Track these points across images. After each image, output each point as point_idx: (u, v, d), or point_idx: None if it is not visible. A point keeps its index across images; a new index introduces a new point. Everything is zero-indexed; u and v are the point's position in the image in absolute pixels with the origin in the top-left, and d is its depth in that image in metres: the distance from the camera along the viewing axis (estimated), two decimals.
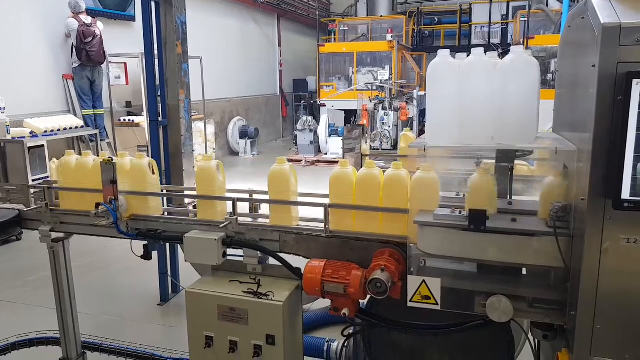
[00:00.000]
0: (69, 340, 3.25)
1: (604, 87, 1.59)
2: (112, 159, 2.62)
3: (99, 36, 8.58)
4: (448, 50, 2.04)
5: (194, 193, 2.92)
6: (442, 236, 2.00)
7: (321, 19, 18.33)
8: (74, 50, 8.52)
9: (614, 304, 1.71)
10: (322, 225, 2.43)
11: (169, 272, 5.06)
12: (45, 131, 7.51)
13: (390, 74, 13.62)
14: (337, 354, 3.39)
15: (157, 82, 4.76)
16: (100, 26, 8.71)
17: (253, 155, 14.05)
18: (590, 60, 1.65)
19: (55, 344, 3.52)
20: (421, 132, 13.22)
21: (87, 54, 8.47)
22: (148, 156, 2.92)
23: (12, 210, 3.02)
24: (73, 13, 8.43)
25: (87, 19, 8.51)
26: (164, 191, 3.58)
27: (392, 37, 14.57)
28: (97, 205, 2.61)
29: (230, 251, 2.57)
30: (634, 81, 1.54)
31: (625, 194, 1.60)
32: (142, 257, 2.95)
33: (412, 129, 13.13)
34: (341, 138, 11.68)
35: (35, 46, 8.23)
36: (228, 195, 2.68)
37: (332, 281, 2.25)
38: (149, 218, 2.77)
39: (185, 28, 4.64)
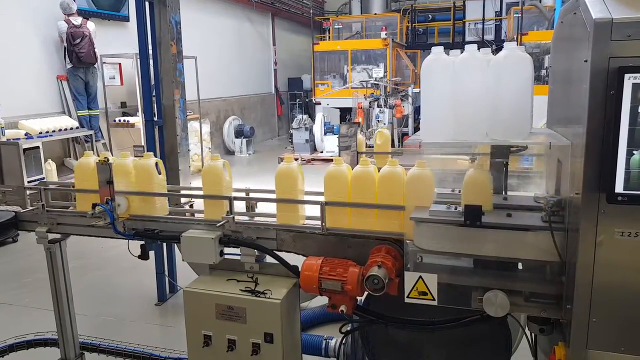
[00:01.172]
0: (67, 341, 3.24)
1: (596, 82, 1.60)
2: (107, 159, 2.62)
3: (88, 37, 8.53)
4: (442, 47, 2.05)
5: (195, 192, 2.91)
6: (438, 232, 2.01)
7: (315, 17, 18.34)
8: (66, 52, 8.50)
9: (609, 297, 1.72)
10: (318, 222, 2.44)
11: (166, 272, 5.06)
12: (40, 132, 7.49)
13: (385, 72, 13.65)
14: (335, 351, 3.40)
15: (152, 82, 4.75)
16: (90, 26, 8.65)
17: (249, 154, 14.04)
18: (583, 55, 1.66)
19: (54, 345, 3.52)
20: (416, 129, 13.27)
21: (77, 56, 8.44)
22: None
23: (8, 212, 3.01)
24: (64, 15, 8.40)
25: (77, 20, 8.46)
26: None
27: (386, 34, 14.60)
28: (94, 205, 2.61)
29: (227, 250, 2.58)
30: (626, 75, 1.55)
31: (619, 187, 1.61)
32: (139, 257, 2.95)
33: (407, 126, 13.20)
34: (337, 136, 11.71)
35: (29, 47, 8.20)
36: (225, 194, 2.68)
37: (330, 278, 2.26)
38: (146, 218, 2.77)
39: (180, 28, 4.64)
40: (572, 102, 1.90)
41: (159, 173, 2.78)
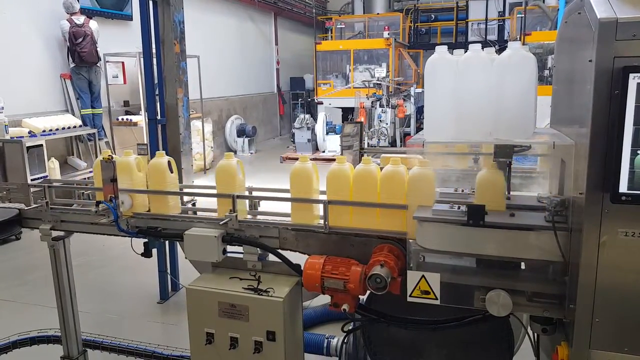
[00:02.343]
0: (70, 338, 3.26)
1: (600, 82, 1.60)
2: (111, 157, 2.63)
3: (90, 36, 8.49)
4: (446, 47, 2.05)
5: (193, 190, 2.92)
6: (441, 231, 2.01)
7: (318, 17, 18.34)
8: (69, 52, 8.51)
9: (612, 297, 1.73)
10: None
11: (168, 271, 5.06)
12: (44, 131, 7.50)
13: (387, 72, 13.63)
14: (336, 350, 3.41)
15: (155, 81, 4.76)
16: (93, 26, 8.62)
17: (251, 153, 14.04)
18: (587, 55, 1.66)
19: (56, 342, 3.53)
20: (418, 129, 13.25)
21: (79, 55, 8.42)
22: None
23: (12, 209, 3.02)
24: (67, 14, 8.39)
25: (80, 19, 8.43)
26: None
27: (388, 34, 14.57)
28: (98, 203, 2.62)
29: (229, 248, 2.58)
30: (631, 75, 1.55)
31: (623, 187, 1.61)
32: (142, 254, 2.96)
33: (409, 126, 13.19)
34: (339, 135, 11.68)
35: (33, 46, 8.20)
36: (227, 192, 2.68)
37: (332, 277, 2.26)
38: (149, 216, 2.78)
39: (183, 27, 4.64)
40: (576, 102, 1.90)
41: (171, 171, 2.78)
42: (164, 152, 2.82)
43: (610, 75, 1.59)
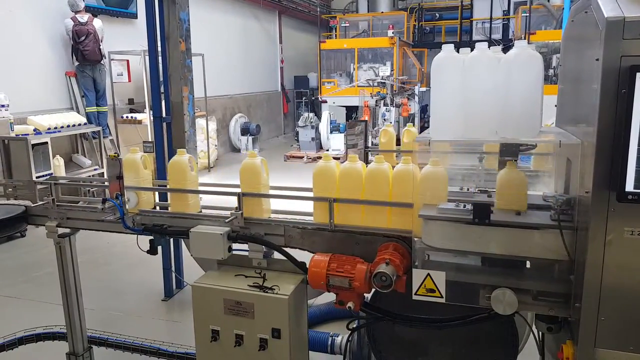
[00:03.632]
0: (76, 334, 3.27)
1: (607, 81, 1.60)
2: (117, 155, 2.64)
3: (93, 34, 8.48)
4: (452, 45, 2.05)
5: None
6: (446, 230, 2.01)
7: (322, 15, 18.31)
8: (73, 50, 8.54)
9: (618, 296, 1.73)
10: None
11: (173, 268, 5.08)
12: (49, 128, 7.52)
13: (392, 70, 13.61)
14: (341, 348, 3.42)
15: (161, 79, 4.77)
16: (96, 24, 8.61)
17: (254, 151, 14.03)
18: (594, 54, 1.66)
19: (62, 338, 3.55)
20: (422, 128, 13.24)
21: (82, 53, 8.43)
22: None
23: (18, 206, 3.03)
24: (72, 12, 8.40)
25: (84, 18, 8.42)
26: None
27: (393, 33, 14.55)
28: (104, 200, 2.63)
29: (234, 245, 2.59)
30: (638, 74, 1.55)
31: (629, 186, 1.61)
32: (147, 251, 2.97)
33: (413, 125, 13.15)
34: (343, 134, 11.66)
35: (38, 44, 8.23)
36: (233, 190, 2.68)
37: (337, 275, 2.27)
38: (155, 213, 2.79)
39: (189, 25, 4.65)
40: (582, 101, 1.90)
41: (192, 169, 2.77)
42: (184, 149, 2.82)
43: (617, 74, 1.59)
